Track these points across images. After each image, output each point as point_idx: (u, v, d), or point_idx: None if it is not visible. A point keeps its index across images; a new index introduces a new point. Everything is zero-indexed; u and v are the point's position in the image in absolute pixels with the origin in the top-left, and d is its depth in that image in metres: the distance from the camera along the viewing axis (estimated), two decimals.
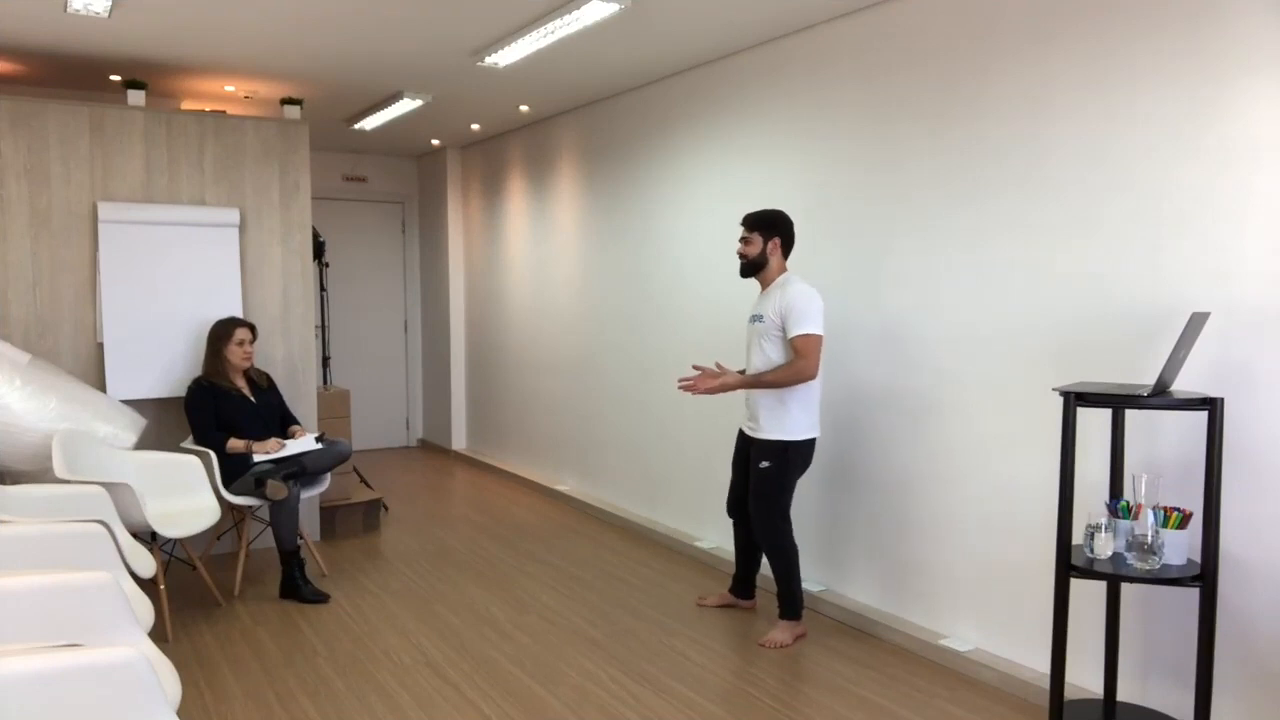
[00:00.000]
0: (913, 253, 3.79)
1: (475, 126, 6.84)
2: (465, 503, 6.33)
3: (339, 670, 3.55)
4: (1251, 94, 2.73)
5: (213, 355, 4.49)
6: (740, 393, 3.97)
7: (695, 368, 3.85)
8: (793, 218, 4.37)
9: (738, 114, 4.72)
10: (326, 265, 6.93)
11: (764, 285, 3.83)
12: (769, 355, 3.74)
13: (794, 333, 3.62)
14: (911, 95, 3.76)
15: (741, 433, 4.00)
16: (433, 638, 3.87)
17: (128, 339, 4.64)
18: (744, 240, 3.81)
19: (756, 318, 3.80)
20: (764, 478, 3.76)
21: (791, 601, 3.83)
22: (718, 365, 3.82)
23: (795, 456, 3.75)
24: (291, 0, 3.93)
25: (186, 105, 5.93)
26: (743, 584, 4.20)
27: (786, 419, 3.71)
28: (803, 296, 3.65)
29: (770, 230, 3.78)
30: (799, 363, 3.61)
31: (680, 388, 3.77)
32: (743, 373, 3.83)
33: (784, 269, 3.83)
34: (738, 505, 4.05)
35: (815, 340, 3.61)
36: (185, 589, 4.47)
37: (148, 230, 4.71)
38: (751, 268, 3.81)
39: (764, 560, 4.16)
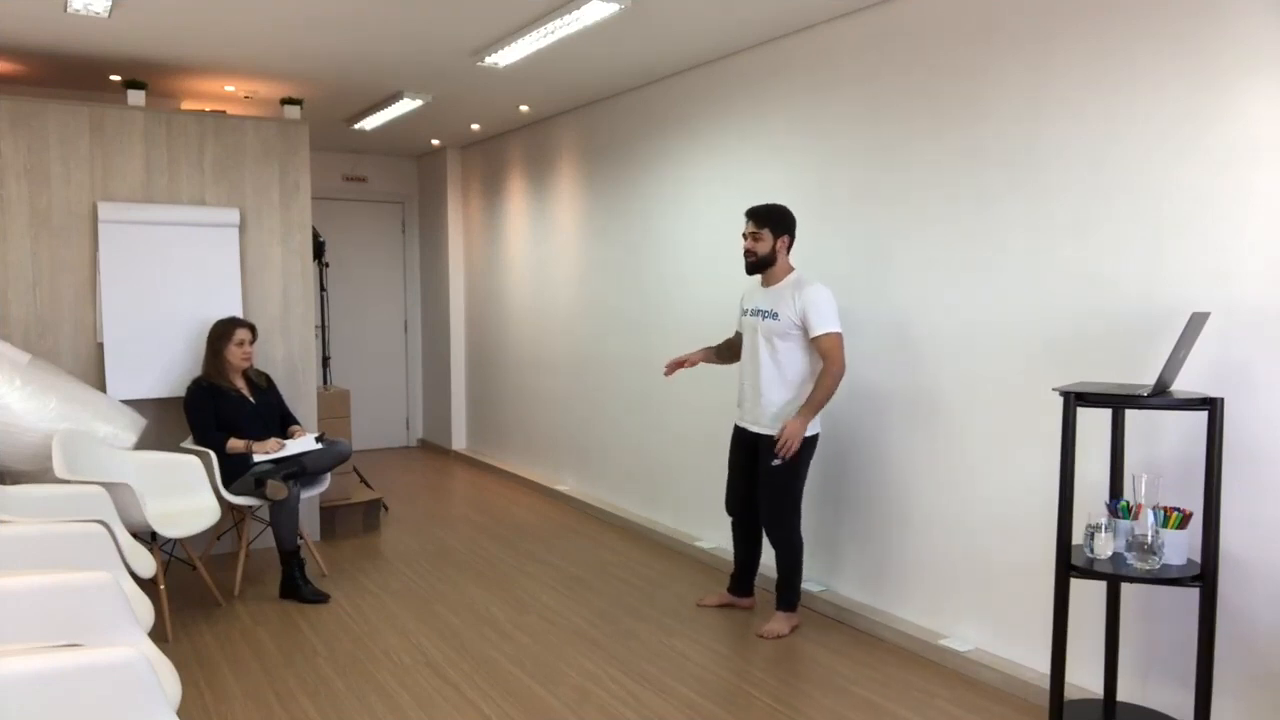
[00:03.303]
0: (913, 252, 3.79)
1: (475, 126, 6.84)
2: (465, 503, 6.33)
3: (339, 670, 3.55)
4: (1251, 94, 2.73)
5: (212, 355, 4.49)
6: (732, 385, 4.02)
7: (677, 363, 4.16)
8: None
9: (738, 114, 4.72)
10: (326, 265, 6.93)
11: (769, 282, 3.84)
12: (781, 352, 3.78)
13: (818, 331, 3.68)
14: (912, 95, 3.76)
15: (739, 431, 4.01)
16: (433, 638, 3.87)
17: (128, 339, 4.64)
18: (753, 236, 3.79)
19: (768, 314, 3.79)
20: (778, 475, 3.79)
21: (792, 594, 3.91)
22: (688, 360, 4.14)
23: (806, 452, 3.81)
24: (291, 0, 3.93)
25: (186, 105, 5.93)
26: (741, 582, 4.20)
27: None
28: (823, 296, 3.71)
29: (780, 227, 3.78)
30: (831, 366, 3.69)
31: (781, 456, 3.75)
32: (708, 351, 4.20)
33: (791, 267, 3.85)
34: (740, 504, 4.06)
35: (840, 338, 3.71)
36: (185, 589, 4.47)
37: (148, 230, 4.71)
38: (760, 265, 3.80)
39: (763, 555, 4.19)
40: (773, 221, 3.77)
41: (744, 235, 3.83)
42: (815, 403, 3.70)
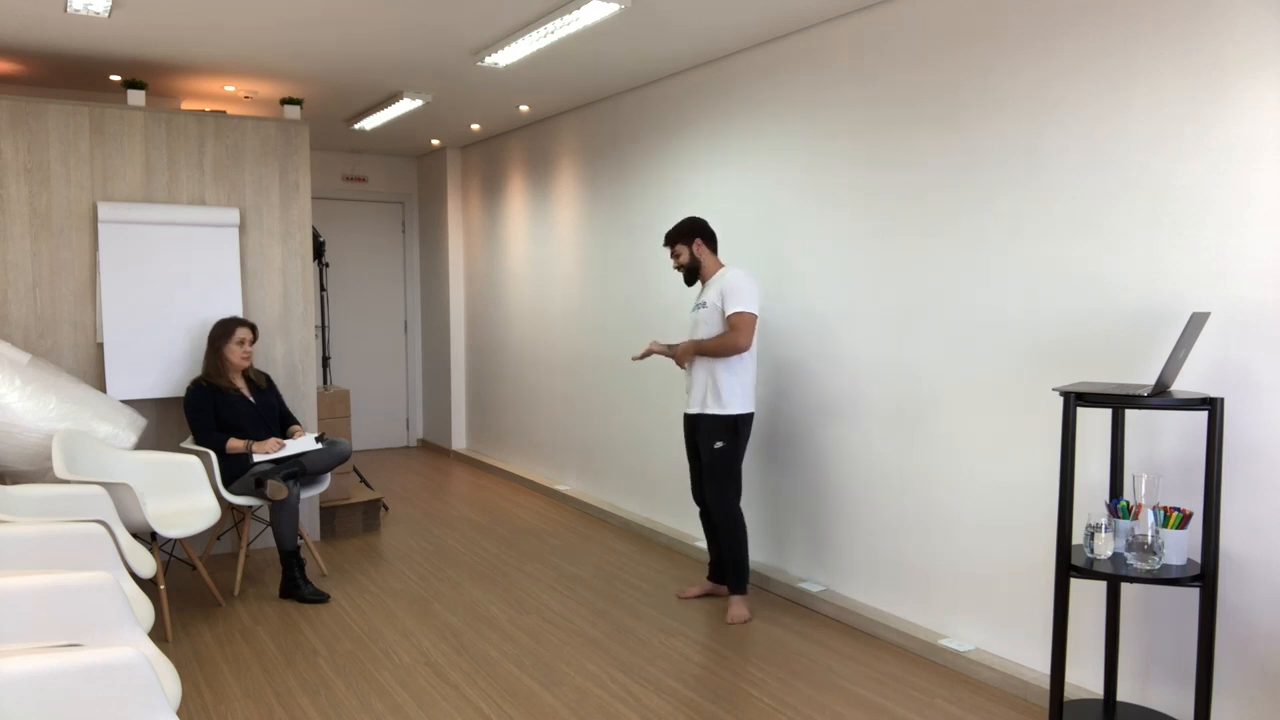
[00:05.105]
0: (913, 252, 3.79)
1: (475, 126, 6.84)
2: (465, 503, 6.33)
3: (339, 670, 3.55)
4: (1251, 94, 2.73)
5: (212, 355, 4.49)
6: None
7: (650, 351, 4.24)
8: (790, 217, 4.40)
9: (738, 114, 4.72)
10: (326, 265, 6.93)
11: (704, 280, 4.14)
12: (706, 335, 4.03)
13: (729, 310, 3.92)
14: (911, 95, 3.76)
15: (687, 419, 4.20)
16: (433, 638, 3.87)
17: (128, 339, 4.64)
18: (674, 255, 4.17)
19: (700, 305, 4.09)
20: (719, 455, 4.01)
21: (744, 574, 4.08)
22: (659, 345, 4.24)
23: (743, 429, 4.03)
24: (291, 0, 3.93)
25: (186, 105, 5.93)
26: (719, 568, 4.35)
27: (731, 395, 3.98)
28: (740, 280, 3.98)
29: (689, 236, 4.12)
30: (731, 335, 3.92)
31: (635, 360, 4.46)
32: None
33: (719, 263, 4.13)
34: (700, 490, 4.26)
35: (749, 318, 3.92)
36: (185, 589, 4.47)
37: (148, 230, 4.71)
38: (691, 273, 4.14)
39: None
40: (680, 236, 4.14)
41: (671, 259, 4.16)
42: (702, 345, 3.99)
